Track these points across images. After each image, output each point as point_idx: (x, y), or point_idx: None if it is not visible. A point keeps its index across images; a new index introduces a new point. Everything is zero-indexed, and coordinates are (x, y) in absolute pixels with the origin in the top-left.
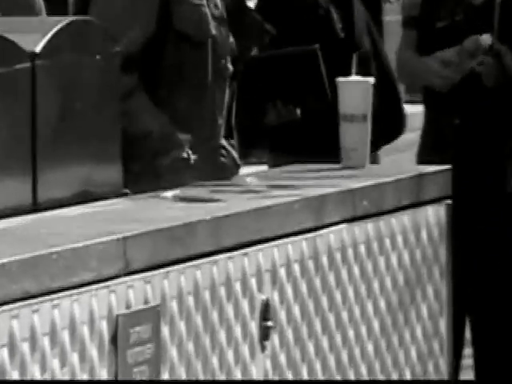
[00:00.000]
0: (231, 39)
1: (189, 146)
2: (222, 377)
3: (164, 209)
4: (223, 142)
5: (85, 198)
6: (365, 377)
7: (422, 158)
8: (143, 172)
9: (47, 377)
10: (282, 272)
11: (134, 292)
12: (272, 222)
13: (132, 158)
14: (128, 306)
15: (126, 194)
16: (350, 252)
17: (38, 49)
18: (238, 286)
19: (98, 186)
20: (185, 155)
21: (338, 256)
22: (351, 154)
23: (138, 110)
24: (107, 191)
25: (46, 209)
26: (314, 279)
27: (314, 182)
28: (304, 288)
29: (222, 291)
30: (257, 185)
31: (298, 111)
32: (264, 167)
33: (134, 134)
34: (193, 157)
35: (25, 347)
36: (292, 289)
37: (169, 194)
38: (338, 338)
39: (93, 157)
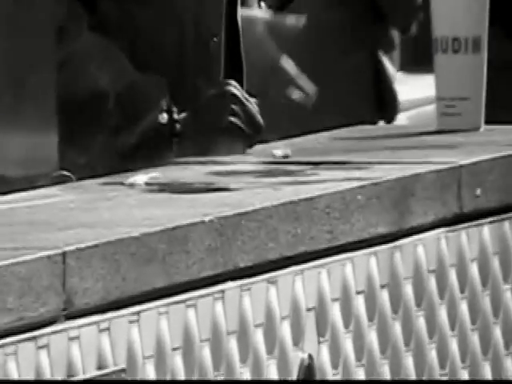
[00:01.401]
0: None
1: (170, 100)
2: None
3: (132, 204)
4: (232, 87)
5: None
6: None
7: None
8: (98, 155)
9: None
10: (336, 310)
11: (82, 348)
12: (317, 224)
13: (80, 133)
14: (71, 372)
15: (66, 180)
16: (453, 274)
17: None
18: (259, 336)
19: (17, 167)
20: (164, 118)
21: (433, 282)
22: (455, 106)
23: (83, 57)
24: (34, 176)
25: None
26: (390, 322)
27: (389, 156)
28: (373, 338)
29: (233, 345)
30: (291, 161)
31: None
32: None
33: (80, 96)
34: (178, 117)
35: None
36: (353, 338)
37: (140, 178)
38: None
39: (9, 123)
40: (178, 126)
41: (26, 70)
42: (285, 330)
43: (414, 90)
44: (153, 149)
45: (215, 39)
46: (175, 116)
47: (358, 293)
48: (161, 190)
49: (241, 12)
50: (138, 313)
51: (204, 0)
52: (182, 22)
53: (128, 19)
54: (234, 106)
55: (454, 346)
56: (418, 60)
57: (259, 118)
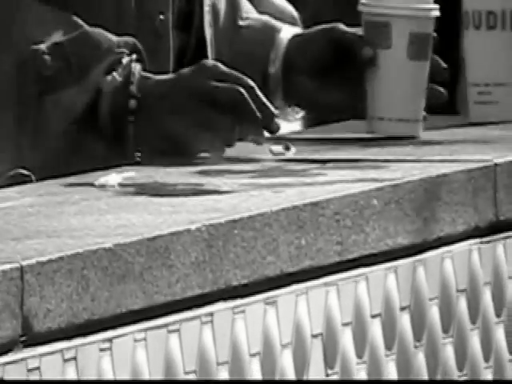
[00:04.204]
0: None
1: (130, 58)
2: None
3: (103, 210)
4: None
5: None
6: None
7: None
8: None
9: None
10: (347, 336)
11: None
12: (325, 234)
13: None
14: None
15: (24, 180)
16: (487, 294)
17: None
18: (255, 367)
19: None
20: (115, 78)
21: (463, 304)
22: (490, 94)
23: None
24: None
25: None
26: (412, 351)
27: (411, 152)
28: (392, 370)
29: (224, 378)
30: (293, 159)
31: None
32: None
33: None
34: (137, 82)
35: None
36: (367, 371)
37: (112, 178)
38: None
39: None
40: (134, 94)
41: None
42: (286, 361)
43: None
44: (118, 136)
45: (162, 17)
46: (133, 79)
47: (374, 316)
48: (138, 193)
49: None
50: (110, 339)
51: None
52: None
53: None
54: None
55: (488, 378)
56: None
57: (268, 102)
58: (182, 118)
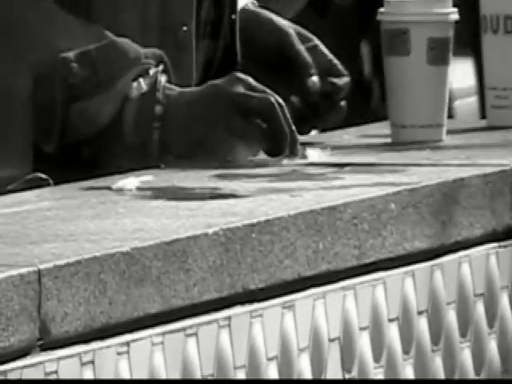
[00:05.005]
0: None
1: (157, 67)
2: None
3: (120, 213)
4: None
5: None
6: None
7: None
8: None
9: None
10: (364, 340)
11: None
12: (342, 238)
13: (43, 112)
14: None
15: (42, 184)
16: (504, 299)
17: None
18: (272, 371)
19: None
20: (141, 87)
21: (480, 308)
22: (508, 98)
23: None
24: (2, 178)
25: None
26: (429, 355)
27: (428, 156)
28: (409, 374)
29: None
30: (311, 163)
31: None
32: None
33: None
34: (164, 91)
35: None
36: (385, 375)
37: (130, 182)
38: None
39: None
40: (160, 100)
41: None
42: (303, 365)
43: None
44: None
45: (185, 28)
46: (159, 87)
47: (391, 320)
48: (155, 197)
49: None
50: (127, 343)
51: None
52: (143, 5)
53: None
54: (243, 90)
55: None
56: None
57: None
58: (210, 124)
